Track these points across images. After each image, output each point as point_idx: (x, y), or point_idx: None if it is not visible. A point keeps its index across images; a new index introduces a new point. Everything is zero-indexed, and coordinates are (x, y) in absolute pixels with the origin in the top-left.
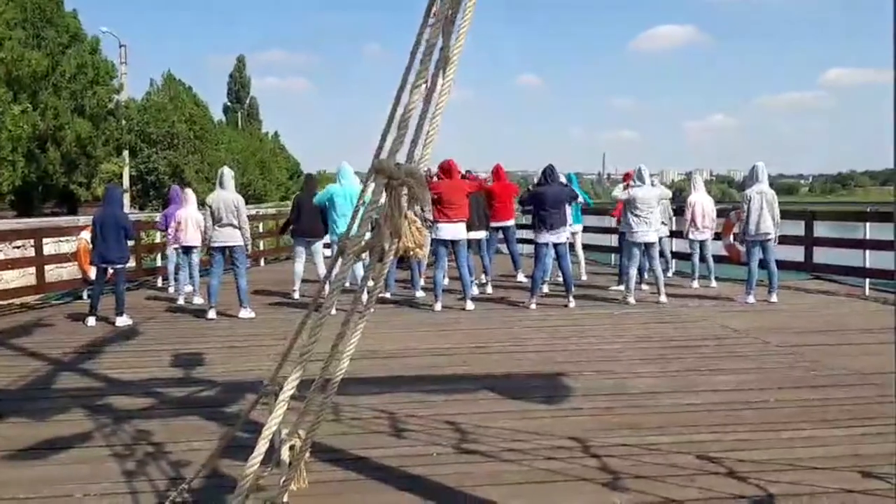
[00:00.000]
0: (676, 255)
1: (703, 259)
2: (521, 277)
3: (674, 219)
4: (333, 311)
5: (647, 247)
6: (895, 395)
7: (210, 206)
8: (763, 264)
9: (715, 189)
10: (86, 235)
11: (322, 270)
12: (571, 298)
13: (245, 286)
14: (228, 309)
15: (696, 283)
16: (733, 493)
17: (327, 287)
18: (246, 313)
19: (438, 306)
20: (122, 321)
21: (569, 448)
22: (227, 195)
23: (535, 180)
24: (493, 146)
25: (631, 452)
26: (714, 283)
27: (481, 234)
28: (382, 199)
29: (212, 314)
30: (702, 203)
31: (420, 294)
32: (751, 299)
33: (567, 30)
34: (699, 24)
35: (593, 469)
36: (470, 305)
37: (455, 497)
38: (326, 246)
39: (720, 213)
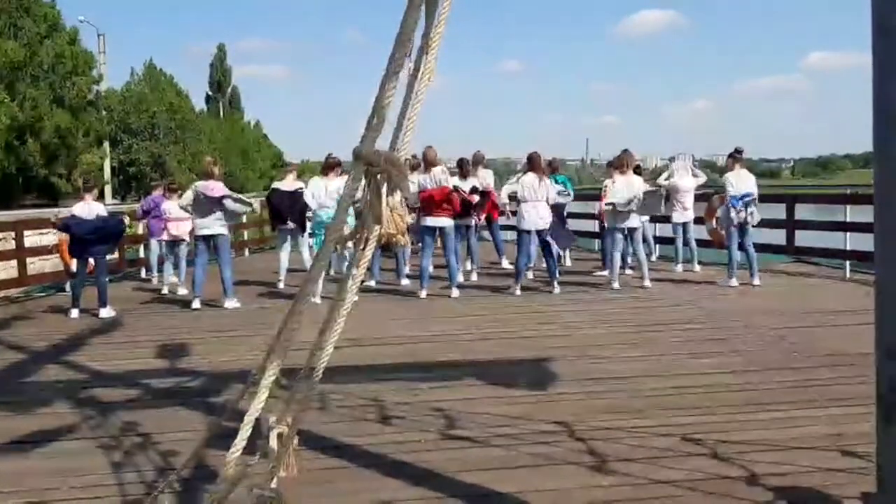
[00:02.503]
0: (660, 240)
1: (686, 243)
2: (505, 264)
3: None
4: (317, 300)
5: (630, 231)
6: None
7: (193, 193)
8: (742, 248)
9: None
10: None
11: (308, 260)
12: (556, 284)
13: (230, 276)
14: (213, 299)
15: (679, 268)
16: (717, 474)
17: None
18: (231, 303)
19: (424, 294)
20: (106, 312)
21: (555, 432)
22: (209, 183)
23: (519, 167)
24: (474, 132)
25: (616, 436)
26: (697, 267)
27: (470, 221)
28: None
29: (196, 304)
30: (684, 186)
31: (405, 282)
32: (733, 282)
33: (548, 14)
34: (680, 9)
35: (579, 453)
36: (455, 293)
37: (443, 483)
38: (310, 235)
39: (702, 198)
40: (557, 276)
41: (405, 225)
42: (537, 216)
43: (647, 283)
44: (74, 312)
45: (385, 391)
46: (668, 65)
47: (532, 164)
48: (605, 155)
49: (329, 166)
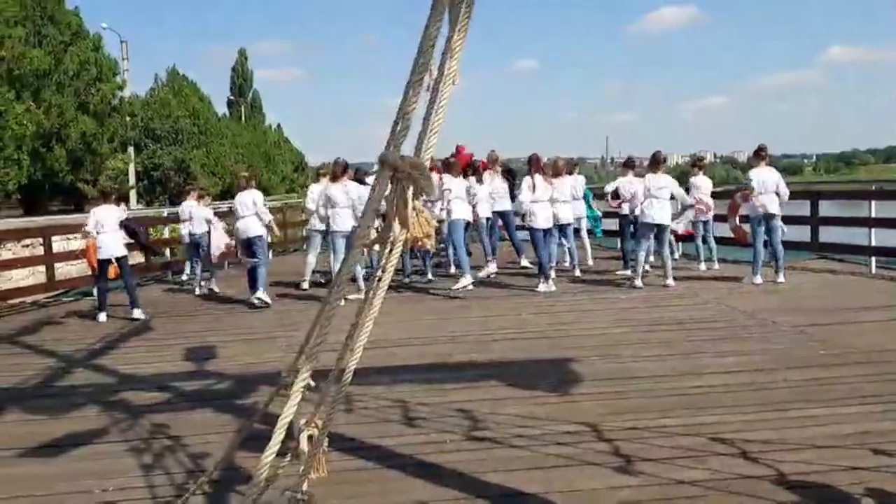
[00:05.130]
0: (679, 238)
1: (704, 241)
2: (524, 262)
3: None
4: (342, 303)
5: (659, 229)
6: None
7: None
8: (770, 245)
9: (720, 171)
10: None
11: (337, 263)
12: (578, 271)
13: (264, 274)
14: (244, 297)
15: (703, 266)
16: (743, 474)
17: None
18: (262, 295)
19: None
20: (139, 313)
21: (579, 433)
22: (244, 194)
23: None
24: (491, 131)
25: (641, 436)
26: (717, 265)
27: (488, 213)
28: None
29: (262, 296)
30: (703, 185)
31: (431, 277)
32: (757, 280)
33: (564, 12)
34: (699, 4)
35: (604, 453)
36: (493, 267)
37: (468, 483)
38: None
39: (723, 195)
40: (578, 272)
41: (431, 228)
42: (548, 214)
43: (671, 281)
44: (102, 316)
45: (408, 392)
46: (685, 61)
47: (532, 165)
48: (624, 153)
49: (343, 171)
